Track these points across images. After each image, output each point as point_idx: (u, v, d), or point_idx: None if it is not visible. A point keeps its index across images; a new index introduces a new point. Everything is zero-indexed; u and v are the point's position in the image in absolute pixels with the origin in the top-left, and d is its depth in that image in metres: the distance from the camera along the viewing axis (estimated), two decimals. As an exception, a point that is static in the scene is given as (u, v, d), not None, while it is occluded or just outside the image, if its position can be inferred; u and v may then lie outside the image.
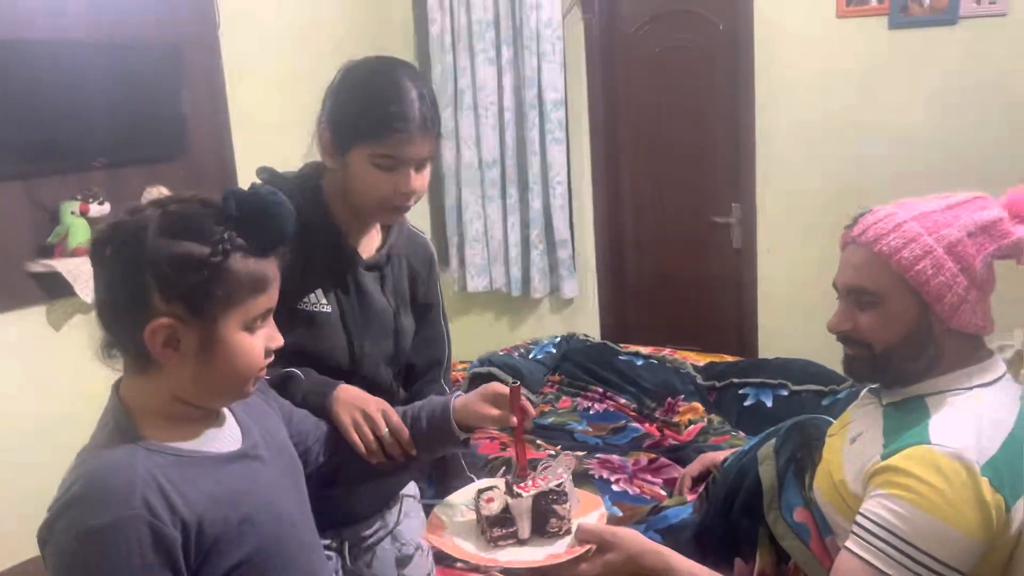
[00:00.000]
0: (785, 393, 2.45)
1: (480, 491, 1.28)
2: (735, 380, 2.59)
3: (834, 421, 1.52)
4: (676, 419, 2.46)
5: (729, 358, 3.08)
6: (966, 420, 1.21)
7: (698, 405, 2.48)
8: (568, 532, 1.24)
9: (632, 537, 1.23)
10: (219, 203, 1.01)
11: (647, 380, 2.62)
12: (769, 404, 2.45)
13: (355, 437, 1.28)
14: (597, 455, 2.39)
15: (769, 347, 3.67)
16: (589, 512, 1.29)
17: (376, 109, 1.29)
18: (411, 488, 1.68)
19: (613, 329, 4.08)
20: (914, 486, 1.16)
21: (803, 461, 1.45)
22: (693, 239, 3.95)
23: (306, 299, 1.40)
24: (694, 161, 3.87)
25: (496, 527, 1.24)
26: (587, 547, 1.21)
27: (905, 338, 1.27)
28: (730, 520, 1.46)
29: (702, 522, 1.52)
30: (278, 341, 1.08)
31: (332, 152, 1.36)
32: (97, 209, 2.90)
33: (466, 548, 1.24)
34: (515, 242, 4.17)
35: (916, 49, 3.22)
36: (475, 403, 1.31)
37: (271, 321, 1.07)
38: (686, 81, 3.82)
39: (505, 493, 1.25)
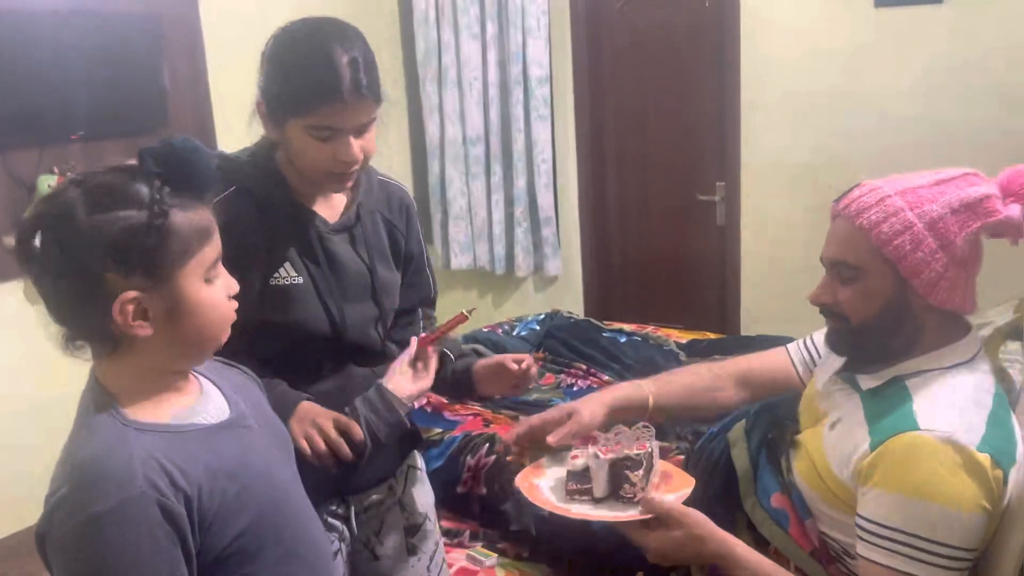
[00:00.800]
0: (767, 370, 2.46)
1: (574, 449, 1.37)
2: (717, 357, 2.60)
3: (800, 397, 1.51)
4: (659, 396, 2.46)
5: (712, 335, 3.09)
6: (950, 402, 1.20)
7: (681, 382, 2.49)
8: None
9: (700, 520, 1.24)
10: (135, 166, 0.98)
11: (630, 357, 2.62)
12: (751, 381, 2.46)
13: (304, 445, 1.29)
14: (580, 432, 2.38)
15: (751, 325, 3.69)
16: (677, 490, 1.32)
17: (303, 80, 1.26)
18: (416, 458, 1.69)
19: (597, 307, 4.09)
20: (905, 477, 1.15)
21: (776, 444, 1.45)
22: (677, 217, 3.95)
23: (276, 274, 1.38)
24: (679, 139, 3.86)
25: (573, 481, 1.32)
26: (647, 516, 1.24)
27: (882, 313, 1.26)
28: (705, 507, 1.46)
29: None
30: (235, 287, 1.07)
31: (269, 125, 1.33)
32: (75, 183, 2.87)
33: (545, 495, 1.33)
34: (499, 219, 4.15)
35: (902, 27, 3.21)
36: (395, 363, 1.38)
37: (222, 269, 1.06)
38: (672, 58, 3.80)
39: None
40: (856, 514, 1.21)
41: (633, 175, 4.04)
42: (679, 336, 2.90)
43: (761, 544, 1.37)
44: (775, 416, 1.49)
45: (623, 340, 2.75)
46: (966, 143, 3.10)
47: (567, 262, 4.14)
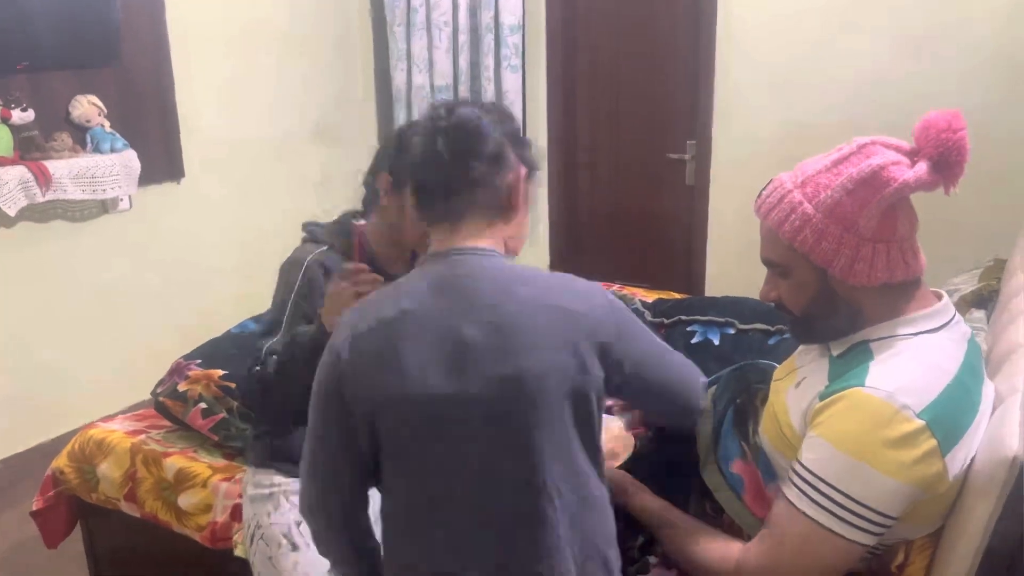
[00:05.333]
0: (732, 332, 2.44)
1: None
2: (683, 317, 2.57)
3: (778, 365, 1.51)
4: (623, 355, 2.44)
5: (677, 295, 3.08)
6: (906, 364, 1.20)
7: (645, 341, 2.47)
8: None
9: (616, 479, 1.44)
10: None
11: (596, 315, 2.59)
12: (716, 342, 2.43)
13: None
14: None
15: (717, 285, 3.68)
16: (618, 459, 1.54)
17: None
18: None
19: (563, 264, 4.05)
20: (839, 427, 1.16)
21: (744, 408, 1.44)
22: (647, 175, 3.90)
23: None
24: (651, 95, 3.80)
25: None
26: None
27: (813, 302, 1.28)
28: (660, 475, 1.45)
29: (635, 469, 1.50)
30: None
31: (391, 192, 1.65)
32: (20, 116, 2.73)
33: None
34: (466, 171, 4.06)
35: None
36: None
37: None
38: (646, 13, 3.72)
39: None
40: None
41: (604, 130, 3.97)
42: (645, 295, 2.87)
43: (717, 513, 1.37)
44: (747, 381, 1.48)
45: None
46: (940, 105, 3.07)
47: (534, 217, 4.07)
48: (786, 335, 2.32)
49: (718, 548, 1.29)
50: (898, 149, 1.24)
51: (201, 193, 3.54)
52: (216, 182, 3.60)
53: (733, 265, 3.68)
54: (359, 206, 1.82)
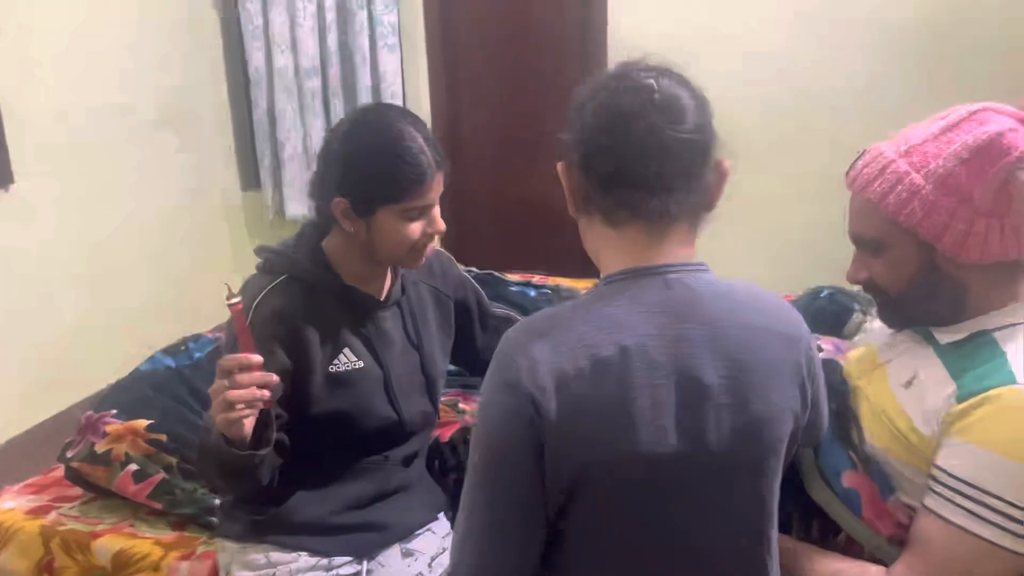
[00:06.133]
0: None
1: None
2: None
3: (839, 362, 1.42)
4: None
5: (578, 281, 2.99)
6: None
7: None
8: None
9: None
10: None
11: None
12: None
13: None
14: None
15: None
16: None
17: (394, 171, 1.32)
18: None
19: (454, 254, 3.83)
20: (996, 431, 1.07)
21: (842, 413, 1.33)
22: (538, 155, 3.75)
23: (336, 361, 1.40)
24: (539, 73, 3.66)
25: None
26: None
27: (914, 281, 1.20)
28: None
29: None
30: None
31: (353, 217, 1.36)
32: None
33: None
34: (342, 161, 3.73)
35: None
36: None
37: None
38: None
39: None
40: (933, 465, 1.12)
41: (490, 112, 3.79)
42: (588, 284, 2.75)
43: (825, 535, 1.27)
44: (829, 383, 1.37)
45: (533, 294, 2.54)
46: (840, 84, 3.13)
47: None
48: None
49: (852, 574, 1.18)
50: (1012, 116, 1.15)
51: (35, 200, 2.98)
52: (52, 185, 3.05)
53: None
54: (313, 214, 1.46)
